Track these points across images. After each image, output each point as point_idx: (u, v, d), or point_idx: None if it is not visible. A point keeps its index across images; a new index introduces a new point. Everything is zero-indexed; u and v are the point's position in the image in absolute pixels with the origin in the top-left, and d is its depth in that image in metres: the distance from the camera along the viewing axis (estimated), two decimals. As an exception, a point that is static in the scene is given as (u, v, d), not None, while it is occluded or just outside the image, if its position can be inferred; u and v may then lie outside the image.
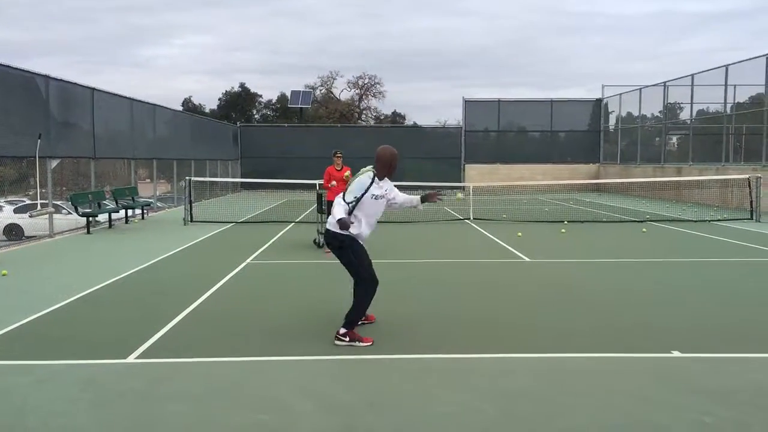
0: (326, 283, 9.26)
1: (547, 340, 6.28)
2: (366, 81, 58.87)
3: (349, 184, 6.25)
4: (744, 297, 8.32)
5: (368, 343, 6.02)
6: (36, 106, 14.63)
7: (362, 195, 6.10)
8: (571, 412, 4.51)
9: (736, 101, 25.75)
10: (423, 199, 6.64)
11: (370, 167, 6.29)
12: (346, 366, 5.50)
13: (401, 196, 6.56)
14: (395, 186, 6.47)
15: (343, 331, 6.09)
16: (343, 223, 5.90)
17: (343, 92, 60.13)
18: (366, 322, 6.70)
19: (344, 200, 6.13)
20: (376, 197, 6.22)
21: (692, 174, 25.39)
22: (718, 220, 17.86)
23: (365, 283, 6.23)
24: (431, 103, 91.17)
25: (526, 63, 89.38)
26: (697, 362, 5.64)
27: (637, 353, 5.88)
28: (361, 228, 6.20)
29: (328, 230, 6.27)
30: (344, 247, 6.18)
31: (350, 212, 6.08)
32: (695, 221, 17.76)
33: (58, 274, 10.06)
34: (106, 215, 16.60)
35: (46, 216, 14.52)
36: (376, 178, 6.20)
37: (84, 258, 11.82)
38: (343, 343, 6.01)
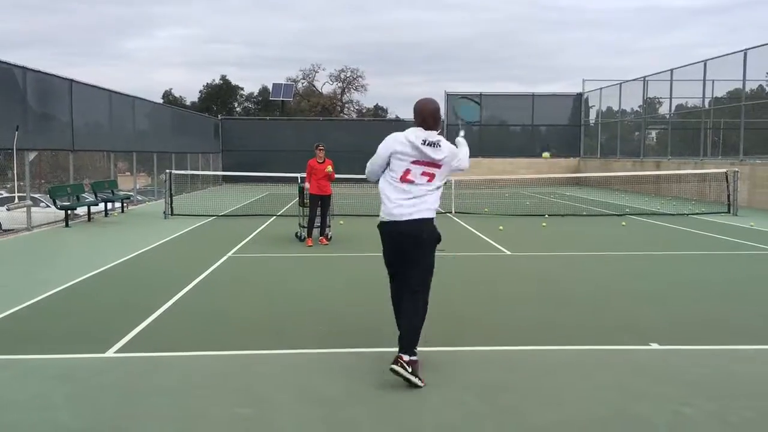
0: (308, 277, 9.24)
1: (528, 333, 6.32)
2: (348, 74, 58.76)
3: (453, 161, 5.02)
4: (721, 290, 8.43)
5: (423, 385, 4.70)
6: (13, 97, 14.42)
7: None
8: (552, 404, 4.54)
9: (714, 96, 26.04)
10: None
11: (440, 137, 5.01)
12: (327, 359, 5.48)
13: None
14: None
15: (408, 358, 4.71)
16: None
17: (325, 85, 60.00)
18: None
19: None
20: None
21: (671, 168, 25.64)
22: (696, 214, 18.06)
23: (428, 289, 5.02)
24: (414, 97, 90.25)
25: (508, 57, 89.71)
26: (675, 354, 5.70)
27: (616, 345, 5.93)
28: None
29: (424, 220, 4.86)
30: (434, 243, 4.95)
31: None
32: (674, 215, 17.94)
33: (36, 268, 9.94)
34: (85, 208, 16.42)
35: (24, 209, 14.34)
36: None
37: (63, 251, 11.70)
38: (407, 374, 4.65)
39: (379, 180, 5.10)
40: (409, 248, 4.91)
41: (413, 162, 4.89)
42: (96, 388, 4.85)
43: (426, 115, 4.99)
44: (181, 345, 5.92)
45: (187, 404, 4.53)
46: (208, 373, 5.16)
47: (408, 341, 4.76)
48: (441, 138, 4.97)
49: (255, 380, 5.00)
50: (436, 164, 4.90)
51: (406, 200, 4.88)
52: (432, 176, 4.90)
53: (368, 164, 5.14)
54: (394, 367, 4.66)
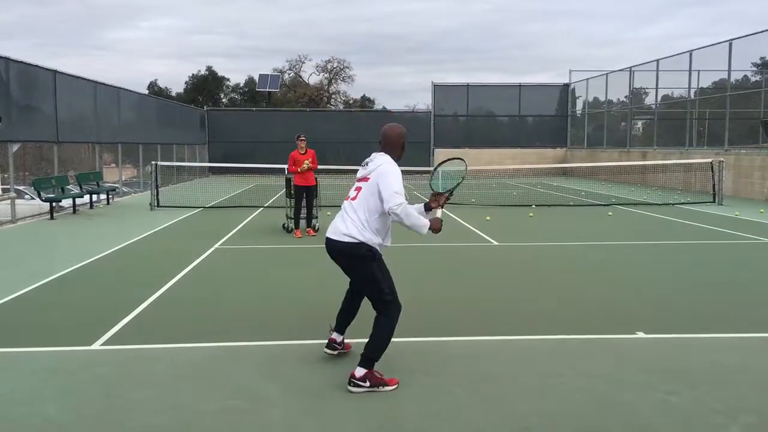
0: (295, 268, 9.24)
1: (515, 323, 6.35)
2: (335, 65, 58.50)
3: (388, 179, 4.67)
4: (706, 279, 8.51)
5: (394, 387, 4.63)
6: (-5, 88, 14.27)
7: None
8: (539, 393, 4.57)
9: (699, 86, 26.18)
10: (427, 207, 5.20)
11: (382, 154, 4.88)
12: (314, 350, 5.48)
13: None
14: None
15: (361, 373, 4.57)
16: (436, 225, 4.82)
17: (311, 76, 59.72)
18: (343, 352, 5.32)
19: (397, 200, 4.61)
20: None
21: (657, 158, 25.79)
22: (682, 204, 18.19)
23: (391, 306, 4.73)
24: (400, 88, 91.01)
25: (495, 47, 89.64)
26: (660, 343, 5.75)
27: (602, 335, 5.97)
28: (386, 235, 4.90)
29: (337, 240, 4.74)
30: (366, 259, 4.71)
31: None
32: (660, 205, 18.06)
33: (22, 261, 9.86)
34: (71, 200, 16.30)
35: (8, 201, 14.21)
36: None
37: (48, 244, 11.61)
38: (361, 390, 4.54)
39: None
40: (337, 262, 4.93)
41: (356, 180, 4.94)
42: (83, 380, 4.83)
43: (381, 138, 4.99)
44: (168, 337, 5.90)
45: (174, 396, 4.52)
46: (195, 365, 5.15)
47: (365, 352, 4.65)
48: (378, 155, 4.86)
49: (242, 372, 4.99)
50: (364, 179, 4.82)
51: (337, 216, 4.92)
52: (359, 189, 4.81)
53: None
54: (348, 387, 4.59)
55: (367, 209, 4.73)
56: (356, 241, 4.68)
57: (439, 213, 5.07)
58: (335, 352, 5.27)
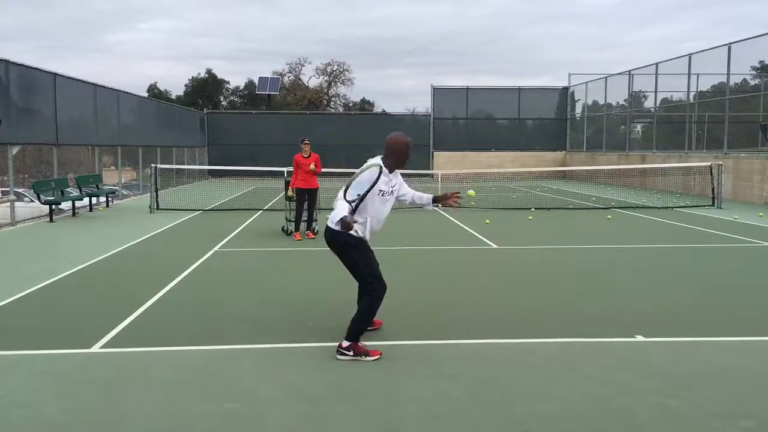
0: (294, 271, 9.24)
1: (514, 326, 6.35)
2: (335, 68, 58.54)
3: (354, 178, 5.31)
4: (705, 282, 8.51)
5: (376, 357, 5.28)
6: (-5, 91, 14.27)
7: (367, 191, 5.25)
8: (538, 396, 4.57)
9: (698, 90, 26.20)
10: (435, 200, 5.85)
11: (377, 158, 5.44)
12: (313, 353, 5.49)
13: (411, 192, 5.85)
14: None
15: (346, 344, 5.29)
16: (346, 224, 5.15)
17: (311, 79, 59.78)
18: (372, 328, 5.91)
19: (345, 197, 5.25)
20: (384, 193, 5.41)
21: (656, 161, 25.81)
22: (681, 207, 18.20)
23: (372, 287, 5.36)
24: (400, 91, 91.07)
25: (494, 50, 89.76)
26: (660, 347, 5.75)
27: (601, 338, 5.97)
28: (366, 229, 5.42)
29: (328, 228, 5.40)
30: (349, 246, 5.37)
31: (353, 211, 5.25)
32: (659, 208, 18.06)
33: (21, 263, 9.86)
34: (70, 203, 16.31)
35: (8, 204, 14.21)
36: (384, 170, 5.34)
37: (47, 247, 11.61)
38: (347, 358, 5.24)
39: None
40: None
41: None
42: (82, 383, 4.83)
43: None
44: (167, 340, 5.90)
45: (173, 399, 4.52)
46: (194, 368, 5.15)
47: (350, 326, 5.37)
48: (373, 158, 5.50)
49: (242, 375, 4.99)
50: None
51: None
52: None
53: None
54: (337, 356, 5.31)
55: (340, 205, 5.29)
56: (336, 229, 5.30)
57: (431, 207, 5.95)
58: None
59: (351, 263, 5.45)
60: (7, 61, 14.57)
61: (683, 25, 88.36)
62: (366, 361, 5.23)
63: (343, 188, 5.31)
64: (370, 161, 5.42)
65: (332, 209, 5.30)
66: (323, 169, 12.44)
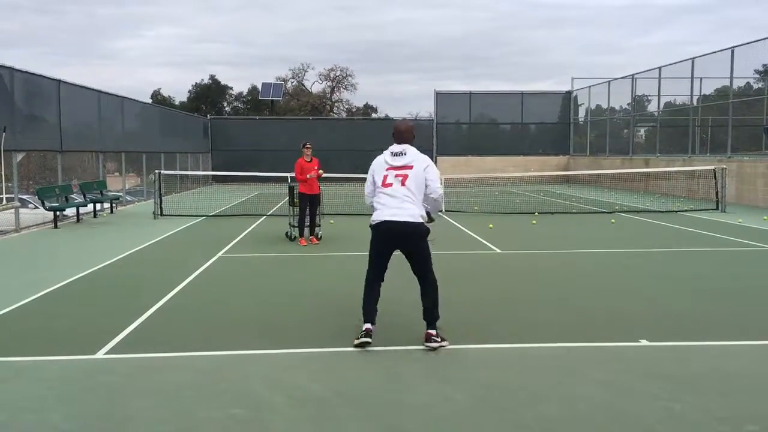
0: (298, 277, 9.24)
1: (518, 330, 6.34)
2: (338, 73, 58.63)
3: (431, 169, 5.76)
4: (709, 286, 8.49)
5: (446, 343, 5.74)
6: (0, 98, 14.32)
7: None
8: (542, 401, 4.57)
9: (702, 93, 26.18)
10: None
11: (408, 146, 5.86)
12: (318, 358, 5.49)
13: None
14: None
15: (434, 331, 5.74)
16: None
17: (314, 85, 59.88)
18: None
19: (440, 186, 5.90)
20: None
21: (659, 165, 25.77)
22: (685, 211, 18.17)
23: (433, 275, 5.95)
24: (403, 96, 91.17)
25: (497, 55, 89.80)
26: (664, 351, 5.74)
27: (606, 342, 5.96)
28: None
29: (408, 221, 5.65)
30: (426, 236, 5.81)
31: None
32: (663, 212, 18.04)
33: (25, 270, 9.89)
34: (74, 209, 16.35)
35: (12, 210, 14.25)
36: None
37: (52, 253, 11.64)
38: (437, 344, 5.65)
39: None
40: (401, 243, 5.79)
41: (387, 169, 5.79)
42: (87, 389, 4.84)
43: (394, 132, 5.98)
44: (171, 346, 5.91)
45: (178, 405, 4.52)
46: (199, 374, 5.16)
47: (431, 316, 5.78)
48: (407, 147, 5.83)
49: (245, 380, 5.00)
50: (406, 167, 5.74)
51: (391, 201, 5.71)
52: (405, 177, 5.70)
53: (365, 191, 6.05)
54: (430, 344, 5.64)
55: (420, 193, 5.70)
56: (420, 221, 5.68)
57: None
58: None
59: (427, 253, 5.85)
60: (11, 68, 14.63)
61: (687, 29, 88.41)
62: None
63: (434, 184, 5.73)
64: (420, 154, 5.82)
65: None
66: (325, 174, 12.48)
